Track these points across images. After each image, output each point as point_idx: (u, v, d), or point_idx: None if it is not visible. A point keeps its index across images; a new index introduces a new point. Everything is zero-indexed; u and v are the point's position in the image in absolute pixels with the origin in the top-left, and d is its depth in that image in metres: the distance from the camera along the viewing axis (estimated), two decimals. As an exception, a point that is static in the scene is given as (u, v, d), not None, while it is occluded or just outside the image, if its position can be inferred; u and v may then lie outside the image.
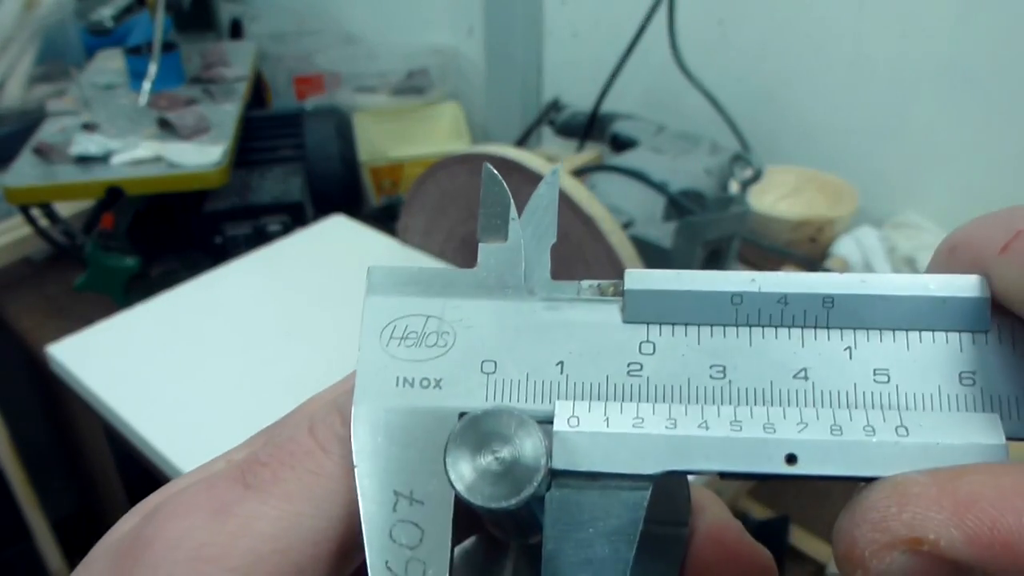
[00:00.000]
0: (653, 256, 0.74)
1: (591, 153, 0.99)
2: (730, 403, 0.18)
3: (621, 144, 0.94)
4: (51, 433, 1.25)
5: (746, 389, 0.18)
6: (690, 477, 0.19)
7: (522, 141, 1.16)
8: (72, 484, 1.29)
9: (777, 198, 1.05)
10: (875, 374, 0.18)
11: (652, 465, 0.18)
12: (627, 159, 0.86)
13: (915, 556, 0.15)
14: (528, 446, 0.18)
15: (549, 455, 0.18)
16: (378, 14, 1.42)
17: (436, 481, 0.18)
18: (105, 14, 0.97)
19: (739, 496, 0.74)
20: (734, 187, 0.87)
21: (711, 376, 0.19)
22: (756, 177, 0.85)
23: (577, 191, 0.68)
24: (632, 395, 0.19)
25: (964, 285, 0.18)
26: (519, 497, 0.17)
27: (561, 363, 0.19)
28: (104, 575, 0.19)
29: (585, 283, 0.20)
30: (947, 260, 0.19)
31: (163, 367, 0.72)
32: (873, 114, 1.01)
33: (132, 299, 0.84)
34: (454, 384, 0.19)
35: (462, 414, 0.19)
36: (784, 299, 0.19)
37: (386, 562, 0.18)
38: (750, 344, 0.19)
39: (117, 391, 0.69)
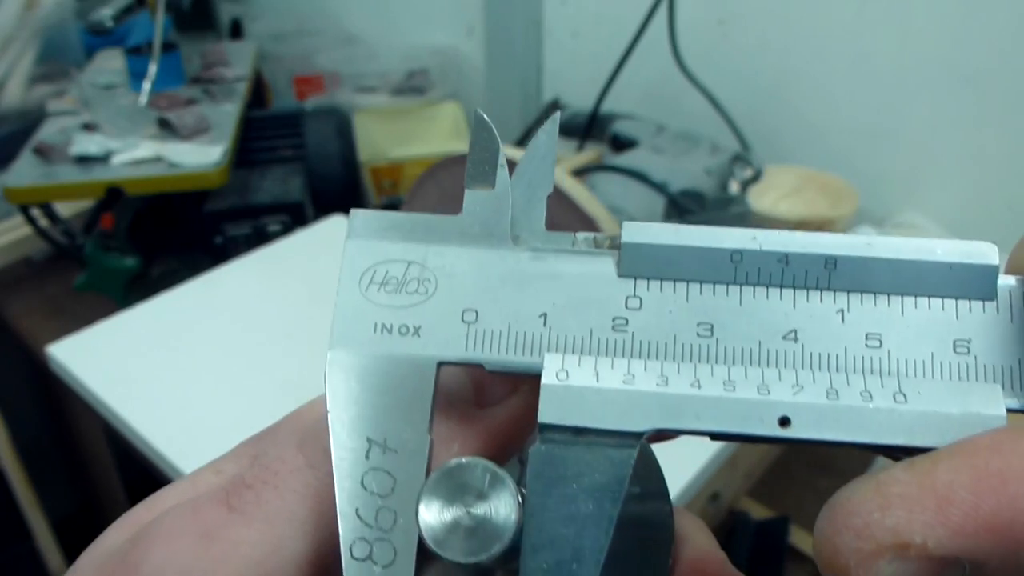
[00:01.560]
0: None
1: (591, 153, 0.99)
2: (718, 362, 0.18)
3: (621, 144, 0.94)
4: (51, 433, 1.25)
5: (733, 349, 0.18)
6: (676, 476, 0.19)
7: (522, 141, 1.16)
8: (72, 484, 1.29)
9: (777, 198, 1.05)
10: (867, 338, 0.18)
11: (642, 422, 0.17)
12: (627, 159, 0.86)
13: (904, 561, 0.15)
14: (501, 504, 0.17)
15: (520, 512, 0.17)
16: (378, 14, 1.42)
17: (411, 430, 0.18)
18: (105, 14, 0.97)
19: (739, 496, 0.74)
20: (734, 187, 0.87)
21: (698, 334, 0.18)
22: (756, 177, 0.85)
23: (577, 191, 0.68)
24: (617, 350, 0.18)
25: (973, 252, 0.18)
26: (488, 554, 0.17)
27: (544, 315, 0.19)
28: None
29: (580, 235, 0.20)
30: None
31: (163, 367, 0.72)
32: (873, 114, 1.01)
33: (132, 299, 0.84)
34: (433, 332, 0.19)
35: (440, 364, 0.18)
36: (785, 259, 0.18)
37: (356, 510, 0.17)
38: (740, 303, 0.18)
39: (117, 391, 0.69)
